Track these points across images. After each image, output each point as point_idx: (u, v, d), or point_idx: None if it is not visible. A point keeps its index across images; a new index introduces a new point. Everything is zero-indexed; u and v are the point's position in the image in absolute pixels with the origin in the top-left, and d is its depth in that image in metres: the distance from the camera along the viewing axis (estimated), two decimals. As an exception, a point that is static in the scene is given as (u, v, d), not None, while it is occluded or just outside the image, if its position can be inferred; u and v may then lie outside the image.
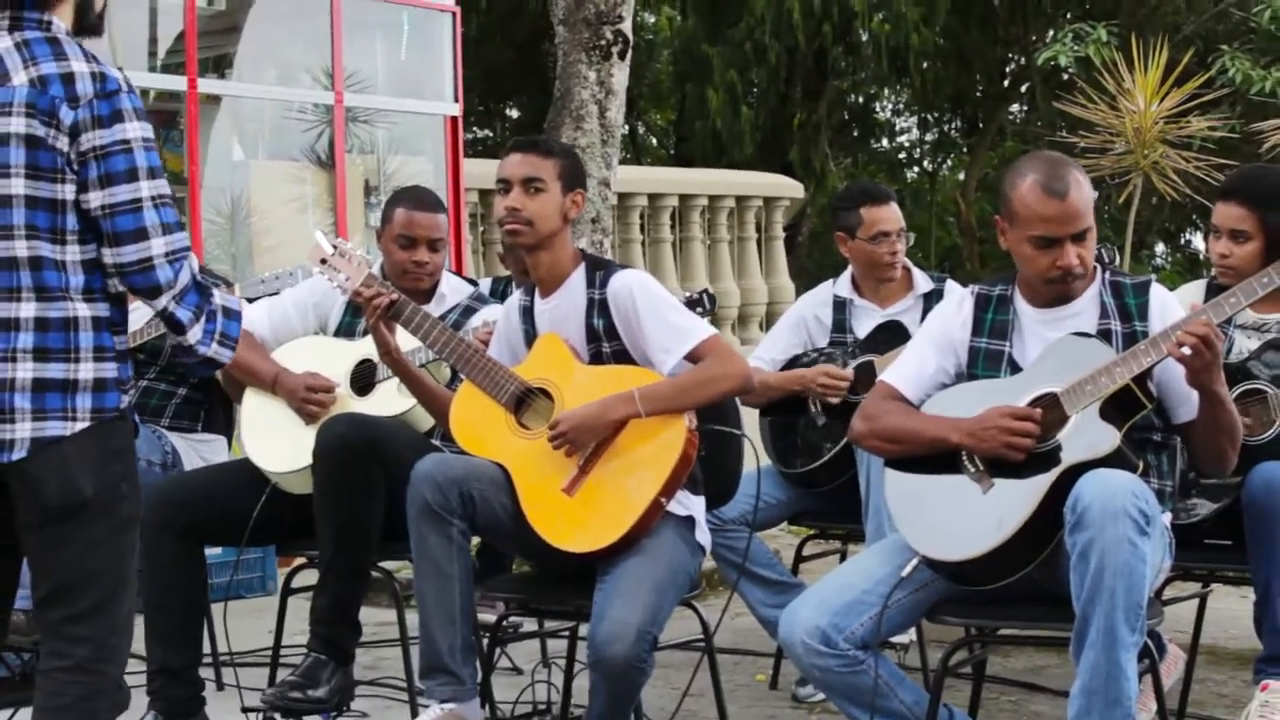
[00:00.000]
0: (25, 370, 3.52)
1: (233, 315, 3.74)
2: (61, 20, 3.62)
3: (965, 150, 24.22)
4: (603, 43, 7.88)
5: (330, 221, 9.78)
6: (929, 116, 24.19)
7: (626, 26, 7.92)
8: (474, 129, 25.50)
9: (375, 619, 5.90)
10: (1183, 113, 10.10)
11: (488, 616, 5.64)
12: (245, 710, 5.30)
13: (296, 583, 5.58)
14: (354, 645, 5.16)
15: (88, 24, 3.69)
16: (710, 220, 12.42)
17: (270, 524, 5.24)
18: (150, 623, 5.16)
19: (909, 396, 4.42)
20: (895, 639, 5.71)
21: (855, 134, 23.78)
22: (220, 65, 9.81)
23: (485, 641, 4.96)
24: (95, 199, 3.52)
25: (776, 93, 19.53)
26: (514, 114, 25.55)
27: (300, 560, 5.52)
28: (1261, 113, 10.25)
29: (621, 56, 7.95)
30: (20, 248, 3.51)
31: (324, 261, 5.01)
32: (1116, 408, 4.11)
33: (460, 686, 4.49)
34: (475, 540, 5.29)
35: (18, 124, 3.50)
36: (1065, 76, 12.56)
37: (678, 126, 23.26)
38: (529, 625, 5.81)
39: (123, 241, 3.54)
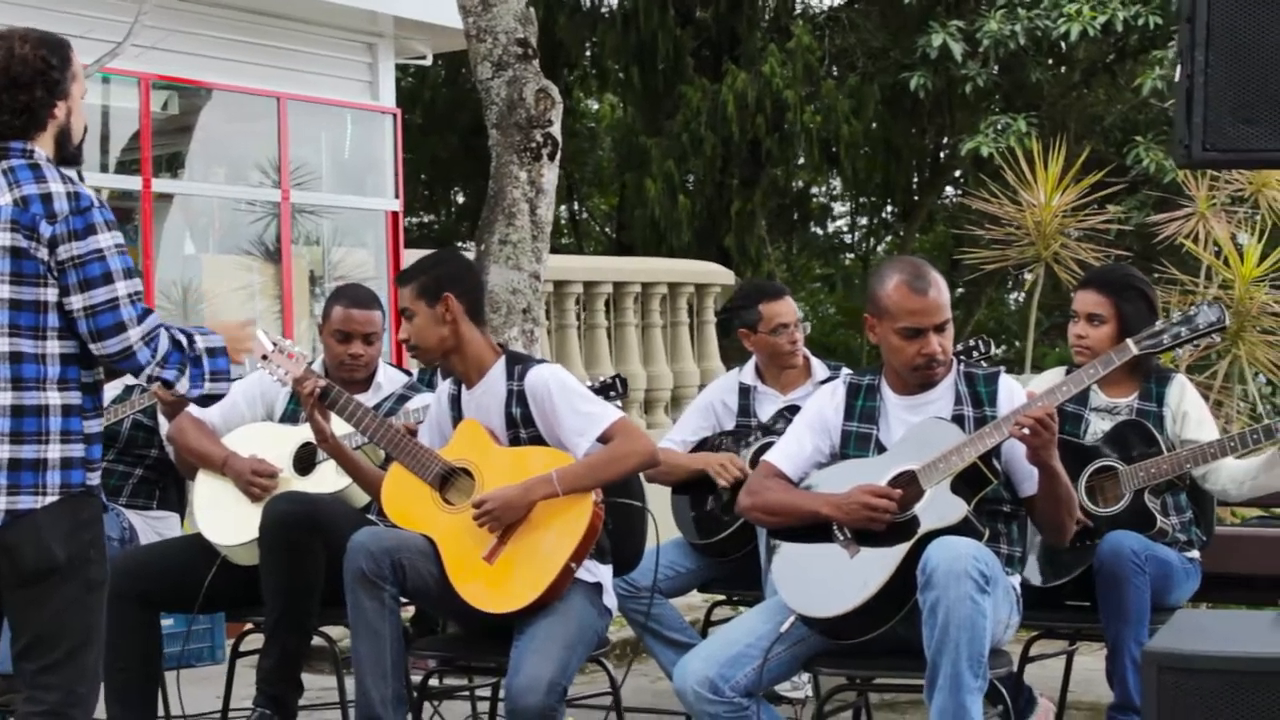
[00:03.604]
0: (2, 451, 4.10)
1: (218, 353, 4.32)
2: (42, 149, 4.20)
3: (899, 235, 24.83)
4: (533, 145, 8.34)
5: (277, 310, 10.30)
6: (862, 201, 24.82)
7: (555, 130, 8.39)
8: (420, 214, 26.02)
9: (316, 684, 6.36)
10: (1089, 204, 10.59)
11: (418, 677, 6.13)
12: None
13: (244, 648, 6.07)
14: (296, 702, 5.67)
15: (67, 154, 4.29)
16: (644, 306, 12.82)
17: (220, 593, 5.73)
18: (109, 684, 5.60)
19: (789, 474, 4.99)
20: (790, 694, 6.27)
21: (794, 218, 24.33)
22: (172, 164, 10.35)
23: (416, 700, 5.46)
24: (76, 301, 4.10)
25: (713, 182, 20.04)
26: (460, 199, 26.06)
27: (248, 626, 6.02)
28: (1176, 201, 10.83)
29: (551, 158, 8.41)
30: (2, 344, 4.09)
31: (265, 358, 5.59)
32: (966, 482, 4.69)
33: (393, 735, 5.02)
34: (410, 610, 5.84)
35: (3, 238, 4.10)
36: (996, 164, 13.17)
37: (618, 214, 23.79)
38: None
39: (105, 336, 4.13)
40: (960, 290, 22.62)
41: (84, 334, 4.14)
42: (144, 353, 4.17)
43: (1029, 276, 10.84)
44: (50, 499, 4.11)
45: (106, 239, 4.15)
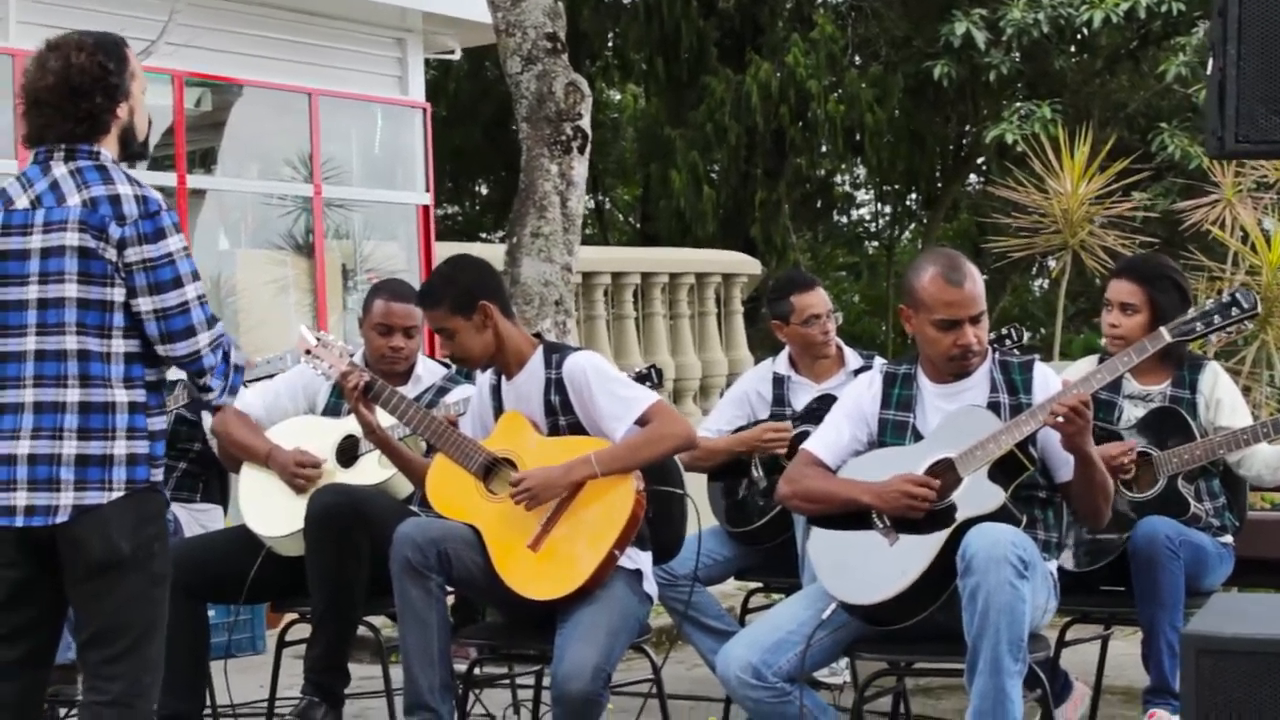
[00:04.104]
0: (70, 447, 4.17)
1: (240, 370, 4.44)
2: (108, 150, 4.28)
3: (923, 222, 24.88)
4: (563, 138, 8.42)
5: (309, 303, 10.40)
6: (887, 189, 24.85)
7: (585, 123, 8.47)
8: (444, 206, 26.12)
9: (360, 673, 6.44)
10: (1114, 191, 10.65)
11: (461, 666, 6.22)
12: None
13: (289, 637, 6.16)
14: (343, 689, 5.76)
15: (132, 151, 4.38)
16: (671, 297, 12.84)
17: (264, 584, 5.82)
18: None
19: (827, 462, 5.07)
20: (829, 680, 6.35)
21: (818, 207, 24.39)
22: (206, 160, 10.45)
23: (460, 688, 5.54)
24: (145, 304, 4.20)
25: (738, 172, 20.10)
26: (483, 191, 26.13)
27: (292, 616, 6.11)
28: (1202, 187, 10.89)
29: (581, 151, 8.49)
30: (70, 341, 4.18)
31: (308, 352, 5.68)
32: (1003, 470, 4.76)
33: (439, 721, 5.11)
34: (451, 599, 5.92)
35: (71, 238, 4.18)
36: (1019, 150, 13.24)
37: (643, 204, 23.84)
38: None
39: (176, 339, 4.23)
40: (985, 277, 22.61)
41: (153, 335, 4.23)
42: (209, 358, 4.28)
43: (1054, 264, 10.90)
44: (116, 494, 4.19)
45: (176, 242, 4.25)
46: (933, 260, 5.01)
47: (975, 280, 4.94)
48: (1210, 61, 3.92)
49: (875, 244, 26.86)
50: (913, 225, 26.17)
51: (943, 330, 4.92)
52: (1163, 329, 5.13)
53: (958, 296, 4.90)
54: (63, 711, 6.16)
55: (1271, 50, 3.83)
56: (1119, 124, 19.17)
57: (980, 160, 22.45)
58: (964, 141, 22.77)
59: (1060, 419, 4.69)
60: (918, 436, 4.97)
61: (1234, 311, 5.05)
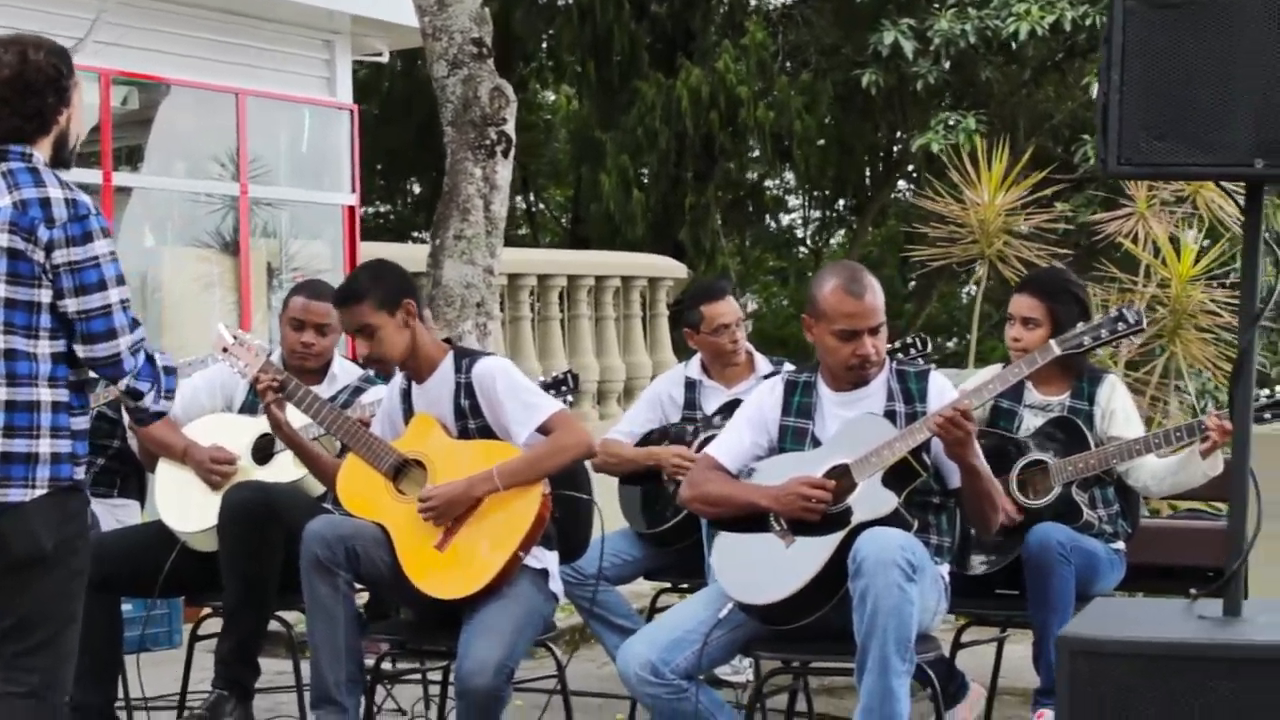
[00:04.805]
0: None
1: (171, 372, 4.51)
2: (41, 153, 4.36)
3: (852, 228, 25.07)
4: (487, 142, 8.51)
5: (234, 300, 10.47)
6: (816, 195, 25.02)
7: (510, 128, 8.56)
8: (376, 204, 26.15)
9: (272, 668, 6.54)
10: (1034, 202, 10.79)
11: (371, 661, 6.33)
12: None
13: (202, 632, 6.26)
14: (253, 683, 5.87)
15: (62, 159, 4.44)
16: (597, 299, 12.93)
17: (179, 578, 5.92)
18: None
19: (728, 466, 5.21)
20: (732, 678, 6.49)
21: (749, 211, 24.54)
22: (132, 158, 10.49)
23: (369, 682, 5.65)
24: (71, 305, 4.27)
25: (667, 176, 20.22)
26: (416, 189, 26.18)
27: (207, 610, 6.20)
28: (1119, 201, 11.02)
29: (505, 155, 8.58)
30: None
31: (225, 350, 5.78)
32: (896, 476, 4.91)
33: (345, 715, 5.22)
34: (365, 596, 6.04)
35: (1, 239, 4.23)
36: (944, 160, 13.37)
37: (574, 206, 23.95)
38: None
39: (96, 341, 4.31)
40: (912, 284, 22.83)
41: (75, 336, 4.30)
42: (129, 361, 4.34)
43: (980, 270, 11.05)
44: (39, 492, 4.27)
45: (103, 246, 4.31)
46: (834, 272, 5.15)
47: (875, 292, 5.08)
48: (1096, 87, 4.08)
49: (804, 249, 27.05)
50: (842, 231, 26.36)
51: (842, 340, 5.06)
52: (1052, 342, 5.31)
53: (857, 308, 5.04)
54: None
55: (1151, 78, 3.99)
56: (1044, 135, 19.38)
57: (910, 168, 22.64)
58: (893, 149, 22.97)
59: (938, 429, 4.84)
60: (816, 443, 5.11)
61: (1120, 326, 5.25)
